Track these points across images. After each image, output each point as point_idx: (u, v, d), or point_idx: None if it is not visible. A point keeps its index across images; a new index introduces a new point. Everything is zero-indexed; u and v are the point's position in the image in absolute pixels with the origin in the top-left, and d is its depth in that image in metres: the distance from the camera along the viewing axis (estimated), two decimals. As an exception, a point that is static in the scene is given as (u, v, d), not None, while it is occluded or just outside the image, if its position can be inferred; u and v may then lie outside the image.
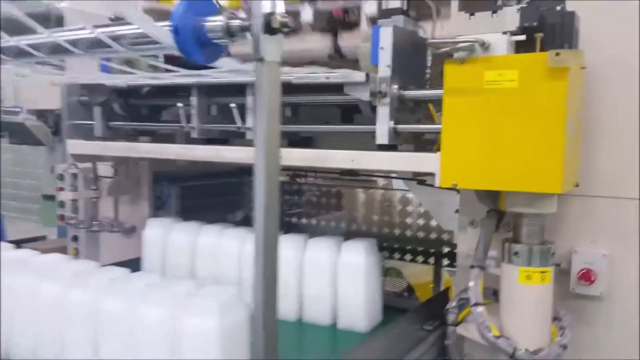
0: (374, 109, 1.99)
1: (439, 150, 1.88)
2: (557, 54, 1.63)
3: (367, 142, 2.13)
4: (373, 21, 2.19)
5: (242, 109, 2.30)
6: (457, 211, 2.22)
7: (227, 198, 3.58)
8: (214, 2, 1.19)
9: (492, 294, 2.05)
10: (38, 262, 2.13)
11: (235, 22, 1.14)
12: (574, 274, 2.03)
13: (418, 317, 2.37)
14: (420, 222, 3.18)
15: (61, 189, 2.88)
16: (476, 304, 1.89)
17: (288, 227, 3.51)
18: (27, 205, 8.67)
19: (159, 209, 3.19)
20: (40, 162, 8.14)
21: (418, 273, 4.01)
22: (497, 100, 1.74)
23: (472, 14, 1.79)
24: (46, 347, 1.94)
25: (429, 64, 2.19)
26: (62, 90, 2.80)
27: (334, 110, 2.50)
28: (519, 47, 1.77)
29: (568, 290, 2.05)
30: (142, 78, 2.01)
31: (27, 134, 7.62)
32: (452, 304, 2.11)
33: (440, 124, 1.90)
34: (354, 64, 2.29)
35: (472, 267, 1.95)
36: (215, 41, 1.17)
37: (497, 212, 2.00)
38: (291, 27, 1.11)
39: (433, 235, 3.13)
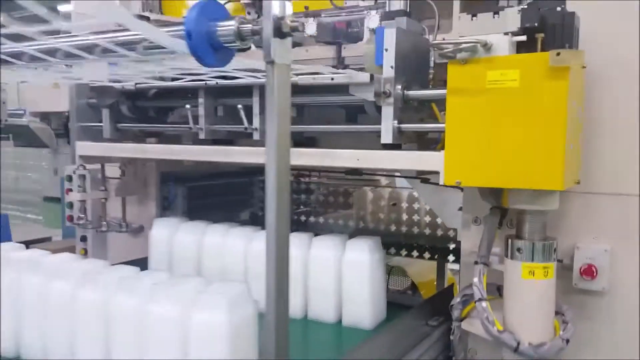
0: (378, 109, 2.03)
1: (442, 148, 1.92)
2: (558, 54, 1.67)
3: (370, 142, 2.17)
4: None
5: (248, 110, 2.34)
6: (460, 209, 2.25)
7: (232, 198, 3.62)
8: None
9: (496, 290, 2.08)
10: (49, 261, 2.17)
11: (247, 27, 1.18)
12: (576, 270, 2.06)
13: (423, 313, 2.40)
14: (427, 219, 3.21)
15: (69, 190, 2.92)
16: (480, 299, 1.92)
17: (294, 226, 3.56)
18: (29, 207, 8.71)
19: (166, 209, 3.23)
20: (43, 164, 8.20)
21: (422, 271, 4.05)
22: (500, 100, 1.78)
23: (474, 15, 1.82)
24: (57, 344, 1.97)
25: (431, 64, 2.23)
26: (71, 92, 2.84)
27: (337, 110, 2.54)
28: (520, 48, 1.80)
29: (570, 285, 2.08)
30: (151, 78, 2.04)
31: (32, 136, 7.66)
32: (457, 299, 2.14)
33: (443, 123, 1.93)
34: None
35: (476, 263, 1.99)
36: (226, 45, 1.21)
37: (500, 209, 2.03)
38: (300, 31, 1.15)
39: (439, 232, 3.16)
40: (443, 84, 1.89)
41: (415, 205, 3.25)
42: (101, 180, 2.87)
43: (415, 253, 3.20)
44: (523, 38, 1.79)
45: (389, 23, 1.99)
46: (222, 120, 2.52)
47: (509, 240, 1.95)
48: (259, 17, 2.37)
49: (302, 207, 3.64)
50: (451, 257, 3.06)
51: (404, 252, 3.23)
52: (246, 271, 2.57)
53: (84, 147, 2.79)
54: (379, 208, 3.38)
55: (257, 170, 3.70)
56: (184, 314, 1.71)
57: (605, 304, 2.08)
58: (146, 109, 2.75)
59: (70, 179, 2.90)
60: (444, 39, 1.85)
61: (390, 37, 1.94)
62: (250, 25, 1.17)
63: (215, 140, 2.51)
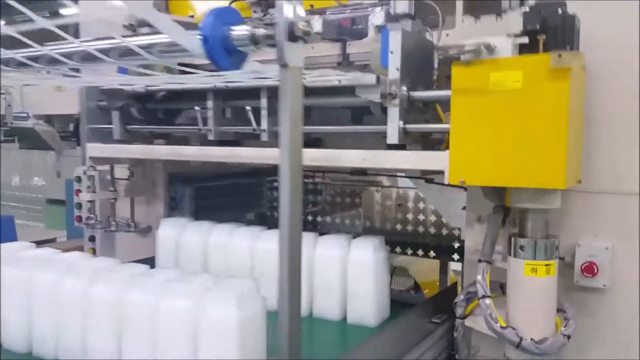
0: (384, 110, 2.07)
1: (447, 148, 1.96)
2: (560, 56, 1.71)
3: (374, 142, 2.20)
4: (380, 30, 2.27)
5: (255, 111, 2.38)
6: (464, 208, 2.29)
7: (239, 198, 3.66)
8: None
9: (499, 288, 2.11)
10: (61, 259, 2.21)
11: (260, 31, 1.22)
12: (578, 267, 2.10)
13: (426, 310, 2.45)
14: (432, 218, 3.25)
15: (79, 191, 2.97)
16: (484, 296, 1.96)
17: (304, 225, 3.60)
18: (32, 209, 8.77)
19: (173, 209, 3.26)
20: (47, 167, 8.25)
21: (424, 271, 4.09)
22: (503, 100, 1.82)
23: (477, 18, 1.87)
24: (70, 340, 2.00)
25: (435, 66, 2.27)
26: (81, 95, 2.88)
27: (343, 111, 2.58)
28: (523, 49, 1.84)
29: (572, 282, 2.12)
30: (161, 81, 2.08)
31: (37, 139, 7.70)
32: (460, 297, 2.18)
33: (448, 123, 1.98)
34: (361, 69, 2.37)
35: (479, 261, 2.03)
36: (240, 48, 1.25)
37: (503, 208, 2.07)
38: (311, 35, 1.19)
39: (444, 231, 3.20)
40: (447, 79, 1.92)
41: (421, 205, 3.30)
42: (110, 181, 2.92)
43: (420, 252, 3.24)
44: (525, 40, 1.83)
45: (394, 25, 2.03)
46: (229, 121, 2.57)
47: (512, 239, 2.00)
48: (264, 15, 2.43)
49: (309, 206, 3.69)
50: (455, 256, 3.10)
51: (409, 251, 3.27)
52: (252, 270, 2.61)
53: (94, 149, 2.83)
54: (384, 208, 3.42)
55: (263, 171, 3.74)
56: (195, 309, 1.75)
57: (606, 301, 2.12)
58: (155, 111, 2.79)
59: (79, 180, 2.95)
60: (447, 35, 1.88)
61: (395, 40, 1.98)
62: (263, 30, 1.21)
63: (222, 141, 2.55)
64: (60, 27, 1.38)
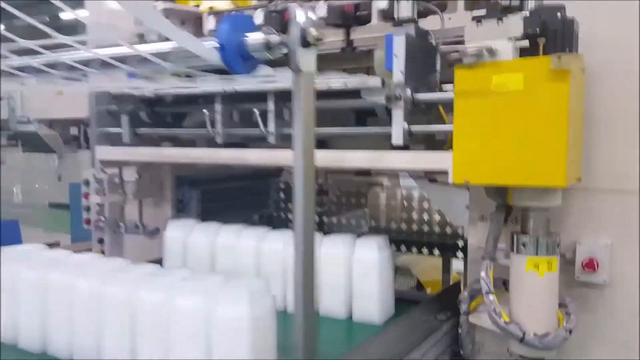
0: (388, 111, 2.13)
1: (450, 149, 2.02)
2: (559, 58, 1.77)
3: (377, 143, 2.26)
4: (384, 15, 2.30)
5: (261, 114, 2.43)
6: (467, 207, 2.35)
7: (245, 199, 3.71)
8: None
9: (502, 284, 2.17)
10: (74, 260, 2.26)
11: (274, 38, 1.28)
12: (578, 263, 2.15)
13: (431, 308, 2.49)
14: (437, 217, 3.31)
15: (87, 194, 3.02)
16: (488, 292, 2.01)
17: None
18: (34, 213, 8.81)
19: (180, 211, 3.31)
20: (49, 170, 8.30)
21: (427, 270, 4.15)
22: (504, 102, 1.88)
23: (479, 22, 1.93)
24: (84, 339, 2.04)
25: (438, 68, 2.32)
26: (90, 99, 2.93)
27: (347, 113, 2.63)
28: (523, 52, 1.90)
29: (573, 279, 2.18)
30: (170, 86, 2.14)
31: (40, 143, 7.76)
32: (464, 294, 2.23)
33: (451, 124, 2.03)
34: (365, 55, 2.40)
35: (483, 258, 2.08)
36: (254, 54, 1.31)
37: (505, 206, 2.12)
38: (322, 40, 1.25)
39: (448, 230, 3.26)
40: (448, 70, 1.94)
41: (425, 204, 3.36)
42: (119, 184, 2.97)
43: (425, 250, 3.29)
44: (526, 43, 1.88)
45: (398, 30, 2.09)
46: (236, 124, 2.62)
47: (515, 236, 2.05)
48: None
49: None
50: (460, 254, 3.15)
51: (414, 250, 3.33)
52: (259, 270, 2.64)
53: (104, 152, 2.89)
54: (389, 208, 3.48)
55: (269, 173, 3.79)
56: (207, 307, 1.79)
57: (606, 296, 2.17)
58: (163, 115, 2.85)
59: (87, 183, 3.00)
60: (450, 19, 1.90)
61: (399, 44, 2.04)
62: (277, 37, 1.27)
63: (228, 143, 2.60)
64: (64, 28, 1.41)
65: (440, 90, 2.24)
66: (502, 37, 1.89)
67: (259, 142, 2.56)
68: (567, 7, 1.91)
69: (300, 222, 1.34)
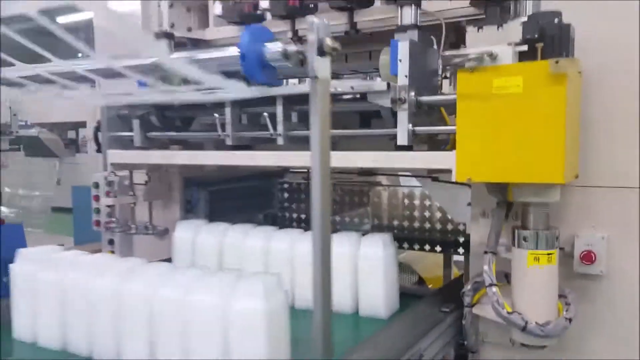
0: (393, 113, 2.22)
1: (453, 148, 2.11)
2: (557, 62, 1.86)
3: (380, 144, 2.33)
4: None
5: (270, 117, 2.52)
6: (469, 204, 2.44)
7: (252, 200, 3.79)
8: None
9: (504, 277, 2.26)
10: (91, 260, 2.33)
11: (292, 47, 1.37)
12: (577, 256, 2.24)
13: (435, 301, 2.58)
14: (438, 215, 3.40)
15: (97, 196, 3.08)
16: (491, 285, 2.11)
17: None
18: (37, 216, 8.84)
19: (189, 212, 3.38)
20: (52, 174, 8.34)
21: (428, 267, 4.24)
22: (505, 104, 1.97)
23: (480, 28, 2.02)
24: (103, 337, 2.11)
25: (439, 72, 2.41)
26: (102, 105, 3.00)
27: (352, 116, 2.72)
28: (522, 57, 1.99)
29: (571, 271, 2.27)
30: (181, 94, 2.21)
31: (41, 147, 7.83)
32: (468, 287, 2.32)
33: (452, 125, 2.12)
34: (369, 38, 2.47)
35: (485, 252, 2.17)
36: (272, 64, 1.40)
37: (506, 203, 2.22)
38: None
39: (449, 227, 3.35)
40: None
41: (427, 202, 3.45)
42: (129, 186, 3.04)
43: (427, 247, 3.38)
44: (524, 48, 1.97)
45: (402, 36, 2.18)
46: (244, 127, 2.70)
47: (516, 231, 2.14)
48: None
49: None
50: (461, 250, 3.25)
51: (416, 247, 3.42)
52: (266, 269, 2.72)
53: (116, 155, 2.96)
54: (391, 206, 3.57)
55: (274, 174, 3.88)
56: (224, 302, 1.86)
57: (603, 286, 2.26)
58: (172, 119, 2.92)
59: (97, 185, 3.07)
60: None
61: (403, 49, 2.14)
62: (294, 46, 1.36)
63: (236, 146, 2.68)
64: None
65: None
66: (502, 42, 1.99)
67: (265, 143, 2.64)
68: (565, 10, 1.99)
69: (318, 220, 1.43)
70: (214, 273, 2.09)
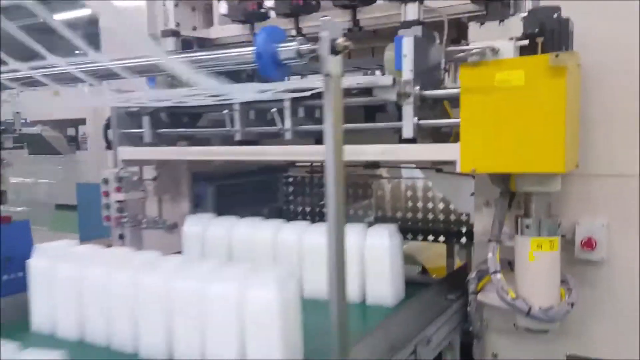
0: (398, 107, 2.28)
1: (457, 141, 2.17)
2: (557, 56, 1.93)
3: (385, 137, 2.40)
4: None
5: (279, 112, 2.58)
6: (472, 194, 2.51)
7: (259, 194, 3.84)
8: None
9: (507, 264, 2.32)
10: (108, 254, 2.39)
11: (306, 46, 1.43)
12: (578, 243, 2.31)
13: (441, 289, 2.66)
14: (440, 206, 3.46)
15: (107, 192, 3.15)
16: (495, 272, 2.18)
17: (318, 217, 3.81)
18: (40, 214, 8.88)
19: (197, 206, 3.44)
20: (52, 171, 8.39)
21: (431, 257, 4.30)
22: (507, 97, 2.04)
23: (482, 24, 2.08)
24: (121, 328, 2.17)
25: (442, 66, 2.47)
26: (112, 102, 3.06)
27: (357, 110, 2.78)
28: (523, 51, 2.05)
29: (573, 257, 2.33)
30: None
31: (44, 145, 7.87)
32: (472, 275, 2.39)
33: (456, 118, 2.19)
34: (371, 35, 2.52)
35: (489, 241, 2.25)
36: (287, 62, 1.46)
37: (509, 192, 2.28)
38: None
39: (452, 217, 3.41)
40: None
41: (430, 194, 3.51)
42: (139, 182, 3.11)
43: (430, 237, 3.45)
44: (525, 42, 2.04)
45: (407, 32, 2.25)
46: (252, 122, 2.77)
47: (519, 219, 2.21)
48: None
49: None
50: (463, 240, 3.31)
51: (420, 237, 3.48)
52: (275, 261, 2.77)
53: (126, 152, 3.03)
54: (395, 198, 3.63)
55: (279, 168, 3.94)
56: (240, 292, 1.92)
57: (604, 272, 2.33)
58: (181, 115, 2.99)
59: (106, 181, 3.13)
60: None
61: (408, 45, 2.20)
62: (308, 46, 1.43)
63: (242, 141, 2.74)
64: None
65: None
66: (504, 37, 2.05)
67: (272, 138, 2.71)
68: (565, 7, 2.06)
69: (332, 211, 1.49)
70: (228, 265, 2.15)
